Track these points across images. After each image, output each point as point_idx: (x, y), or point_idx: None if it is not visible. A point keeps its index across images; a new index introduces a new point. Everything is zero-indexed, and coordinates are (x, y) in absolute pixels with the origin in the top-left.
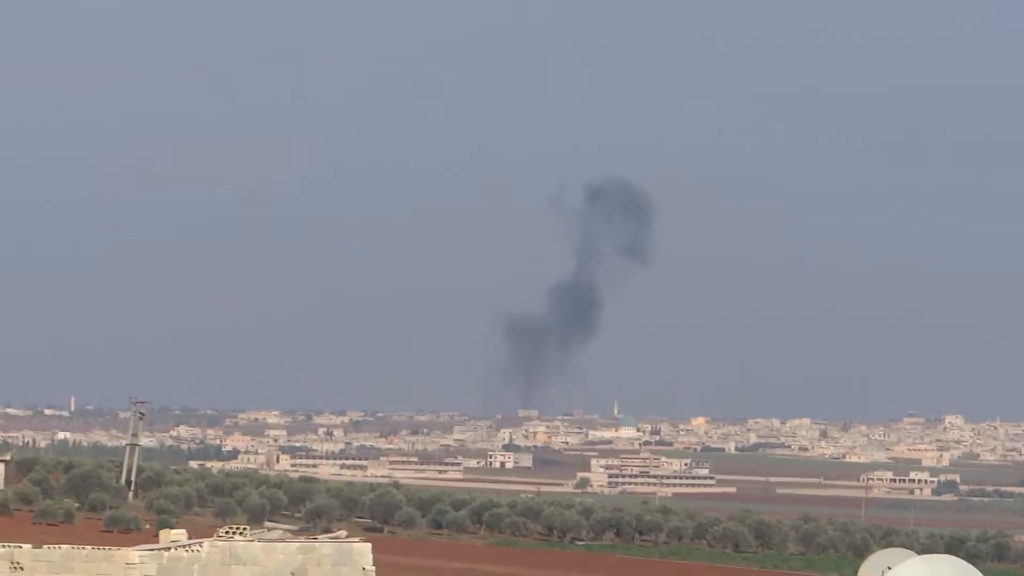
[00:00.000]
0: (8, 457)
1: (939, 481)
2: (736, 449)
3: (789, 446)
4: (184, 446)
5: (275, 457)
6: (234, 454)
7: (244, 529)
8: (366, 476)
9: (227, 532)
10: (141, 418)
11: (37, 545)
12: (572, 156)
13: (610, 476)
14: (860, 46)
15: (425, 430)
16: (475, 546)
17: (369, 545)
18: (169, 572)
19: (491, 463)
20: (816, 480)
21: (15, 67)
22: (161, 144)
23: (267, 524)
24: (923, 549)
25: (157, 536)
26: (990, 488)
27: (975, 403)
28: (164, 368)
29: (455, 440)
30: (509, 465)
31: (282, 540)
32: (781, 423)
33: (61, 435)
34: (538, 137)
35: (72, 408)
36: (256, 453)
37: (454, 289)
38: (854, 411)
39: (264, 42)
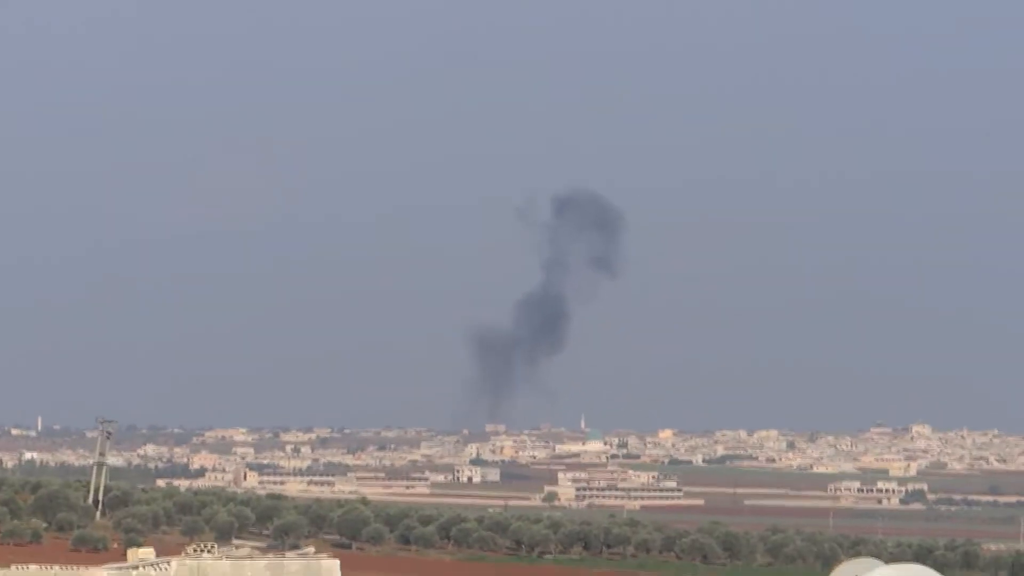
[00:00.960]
0: None
1: (907, 490)
2: (703, 461)
3: (756, 457)
4: (152, 465)
5: (243, 475)
6: (201, 472)
7: (212, 547)
8: (334, 492)
9: (195, 550)
10: (108, 437)
11: (5, 565)
12: (541, 168)
13: (578, 489)
14: (834, 43)
15: (392, 446)
16: (443, 561)
17: (337, 561)
18: None
19: (459, 478)
20: (784, 491)
21: None
22: (133, 157)
23: (235, 542)
24: (891, 558)
25: (125, 555)
26: (958, 497)
27: (942, 412)
28: (131, 387)
29: (422, 455)
30: (476, 480)
31: (250, 557)
32: (748, 434)
33: (28, 455)
34: (506, 149)
35: (39, 428)
36: (223, 471)
37: (422, 302)
38: (821, 422)
39: (231, 52)
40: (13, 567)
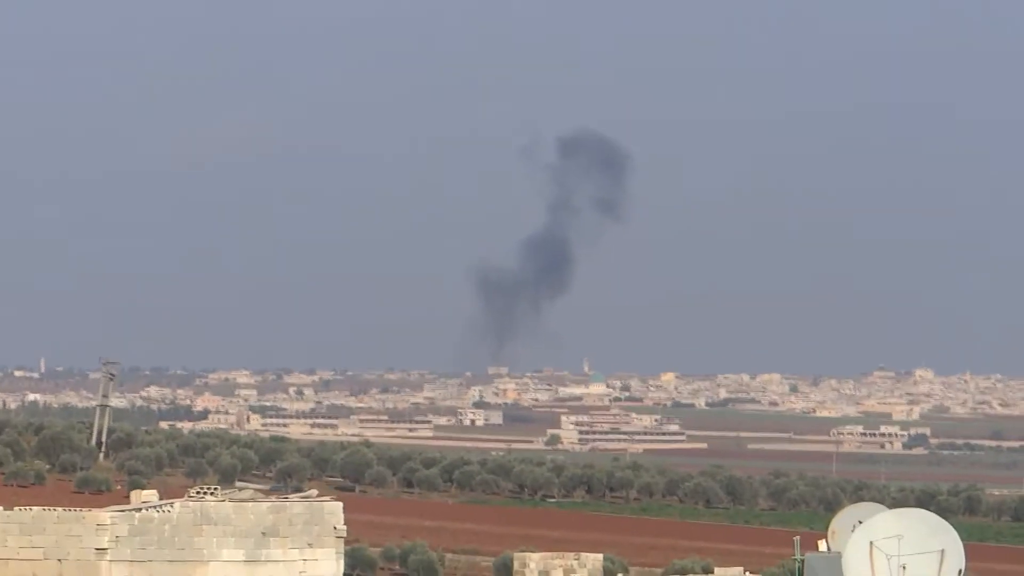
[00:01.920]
0: None
1: (909, 435)
2: (706, 404)
3: (759, 401)
4: (154, 406)
5: (245, 417)
6: (204, 414)
7: (215, 489)
8: (337, 435)
9: (198, 492)
10: (111, 379)
11: (8, 507)
12: (546, 110)
13: (580, 433)
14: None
15: (395, 388)
16: (446, 504)
17: (340, 504)
18: (140, 533)
19: (461, 421)
20: (786, 435)
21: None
22: (130, 115)
23: (238, 484)
24: (894, 503)
25: (128, 497)
26: (960, 441)
27: (945, 356)
28: (134, 328)
29: (425, 398)
30: (479, 423)
31: (253, 500)
32: (751, 378)
33: (31, 396)
34: (511, 90)
35: (42, 369)
36: (226, 413)
37: (425, 242)
38: (824, 366)
39: (224, 24)
40: (16, 509)
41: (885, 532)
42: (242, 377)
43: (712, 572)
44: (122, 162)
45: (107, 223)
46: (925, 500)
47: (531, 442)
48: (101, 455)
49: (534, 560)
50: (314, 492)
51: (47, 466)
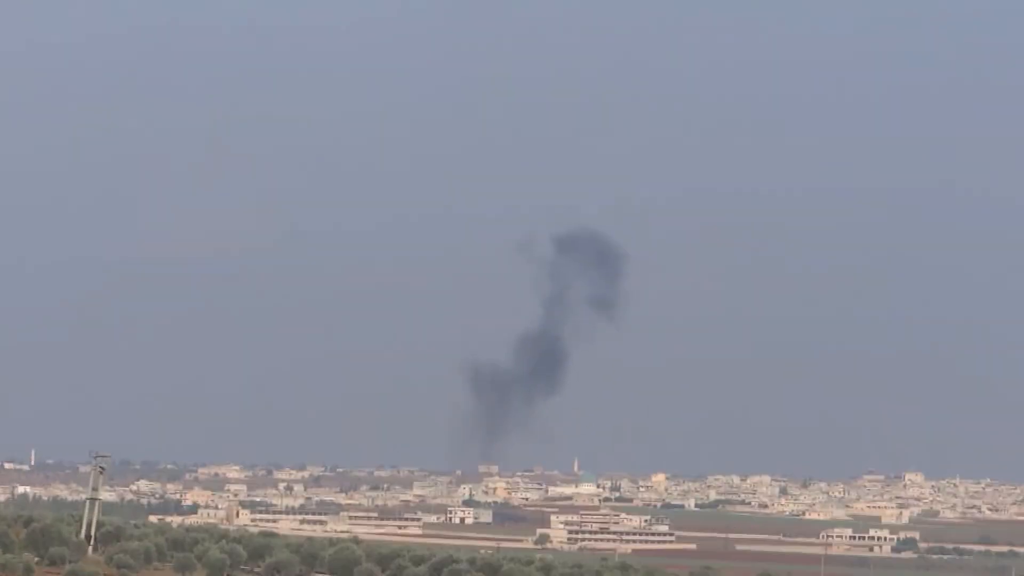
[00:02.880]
0: None
1: (899, 538)
2: (696, 505)
3: (749, 503)
4: (144, 500)
5: (235, 512)
6: (194, 509)
7: None
8: (326, 531)
9: None
10: (102, 472)
11: None
12: (543, 208)
13: (570, 532)
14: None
15: (385, 485)
16: None
17: None
18: None
19: (451, 519)
20: (776, 537)
21: None
22: (122, 197)
23: None
24: None
25: None
26: (950, 545)
27: (935, 460)
28: (125, 422)
29: (415, 495)
30: (469, 521)
31: None
32: (741, 479)
33: (21, 489)
34: (509, 187)
35: (32, 462)
36: (216, 508)
37: (418, 340)
38: (814, 468)
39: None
40: None
41: None
42: (232, 472)
43: None
44: (120, 250)
45: (97, 320)
46: None
47: (521, 541)
48: (90, 548)
49: None
50: None
51: (36, 558)
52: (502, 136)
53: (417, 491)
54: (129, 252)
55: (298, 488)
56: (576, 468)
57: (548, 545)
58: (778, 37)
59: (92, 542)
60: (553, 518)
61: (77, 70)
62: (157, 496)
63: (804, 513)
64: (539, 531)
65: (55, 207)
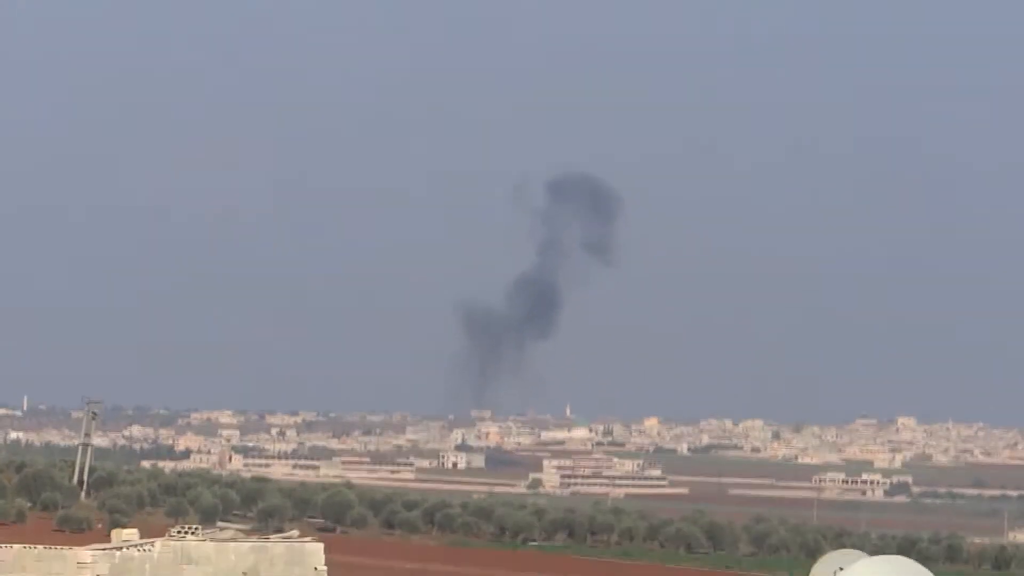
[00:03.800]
0: None
1: (891, 483)
2: (688, 450)
3: (741, 447)
4: (137, 446)
5: (227, 457)
6: (186, 454)
7: (196, 529)
8: (319, 476)
9: (179, 532)
10: (94, 418)
11: None
12: (536, 150)
13: (562, 477)
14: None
15: (378, 430)
16: (427, 546)
17: (321, 545)
18: (121, 571)
19: (444, 463)
20: (768, 481)
21: None
22: (137, 145)
23: (219, 524)
24: (875, 550)
25: (109, 536)
26: (942, 490)
27: (927, 404)
28: (117, 367)
29: (408, 440)
30: (461, 465)
31: (234, 540)
32: (734, 424)
33: (13, 435)
34: (502, 132)
35: (25, 408)
36: (208, 453)
37: (411, 282)
38: (806, 413)
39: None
40: None
41: None
42: (224, 417)
43: None
44: (121, 198)
45: (89, 262)
46: (906, 547)
47: (513, 486)
48: (83, 494)
49: None
50: (295, 533)
51: (28, 504)
52: (499, 84)
53: (410, 436)
54: (119, 199)
55: (291, 433)
56: (568, 413)
57: (541, 490)
58: None
59: (84, 487)
60: (545, 463)
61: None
62: (150, 441)
63: (796, 457)
64: (531, 476)
65: (45, 151)
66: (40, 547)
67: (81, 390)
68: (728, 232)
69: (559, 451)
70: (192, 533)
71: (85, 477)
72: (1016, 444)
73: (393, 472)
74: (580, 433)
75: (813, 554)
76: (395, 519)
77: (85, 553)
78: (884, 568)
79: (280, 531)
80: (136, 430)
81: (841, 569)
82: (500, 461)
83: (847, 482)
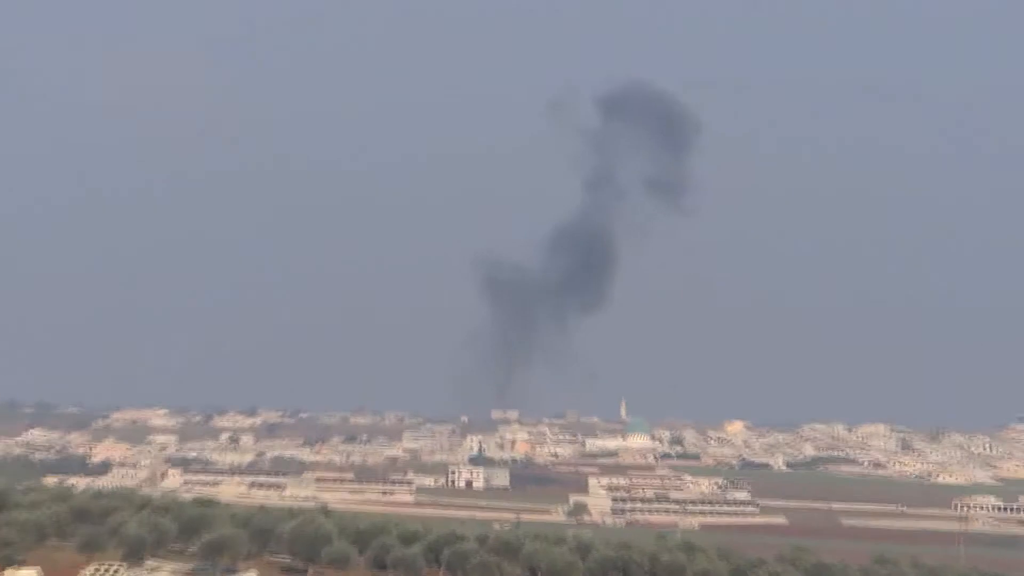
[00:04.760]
0: None
1: None
2: (787, 465)
3: (859, 461)
4: (38, 456)
5: (161, 472)
6: (106, 467)
7: (118, 570)
8: (284, 498)
9: (95, 573)
10: None
11: None
12: (583, 57)
13: (615, 500)
14: None
15: (365, 436)
16: None
17: None
18: None
19: (454, 482)
20: (895, 507)
21: None
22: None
23: (148, 563)
24: None
25: None
26: None
27: None
28: (13, 353)
29: (405, 450)
30: (478, 485)
31: None
32: (848, 430)
33: None
34: (538, 30)
35: None
36: (135, 466)
37: (410, 232)
38: (947, 416)
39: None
40: None
41: None
42: (157, 418)
43: None
44: (22, 179)
45: None
46: None
47: (548, 512)
48: None
49: None
50: (253, 574)
51: None
52: None
53: (408, 444)
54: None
55: (246, 440)
56: (623, 413)
57: (586, 518)
58: None
59: None
60: (592, 481)
61: None
62: (56, 450)
63: (934, 475)
64: (573, 499)
65: None
66: None
67: None
68: (842, 168)
69: (610, 465)
70: (113, 575)
71: None
72: None
73: (385, 493)
74: (639, 441)
75: None
76: (388, 557)
77: None
78: None
79: (232, 573)
80: (37, 434)
81: None
82: (531, 479)
83: (1003, 509)
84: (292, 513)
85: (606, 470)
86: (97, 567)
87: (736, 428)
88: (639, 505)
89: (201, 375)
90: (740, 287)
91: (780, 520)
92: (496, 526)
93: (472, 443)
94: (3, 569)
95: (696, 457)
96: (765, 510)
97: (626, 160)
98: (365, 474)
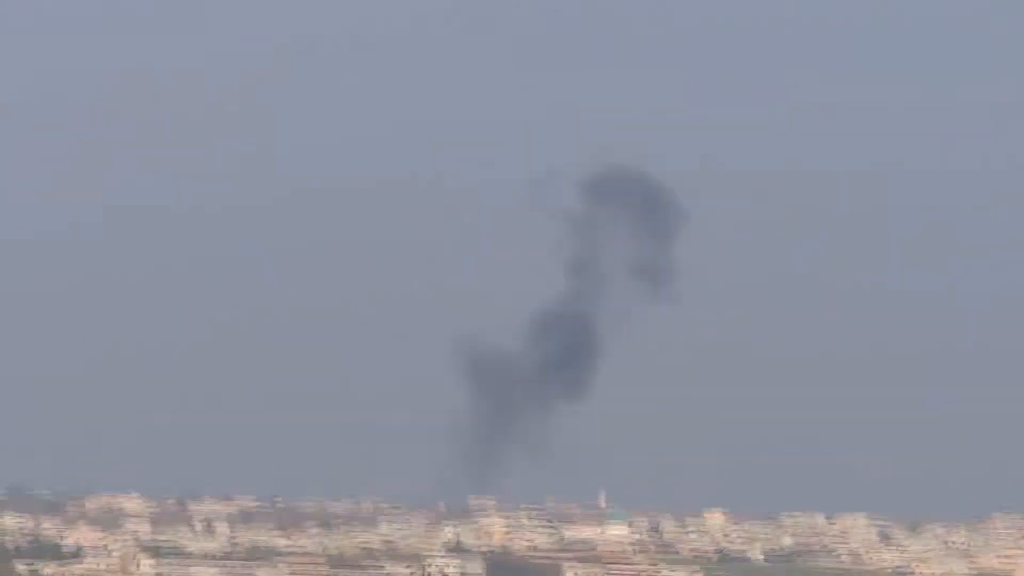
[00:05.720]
0: None
1: None
2: (765, 557)
3: (838, 553)
4: (9, 540)
5: (134, 559)
6: (78, 553)
7: None
8: None
9: None
10: None
11: None
12: (566, 138)
13: None
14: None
15: (340, 523)
16: None
17: None
18: None
19: (429, 571)
20: None
21: None
22: None
23: None
24: None
25: None
26: None
27: None
28: None
29: (381, 537)
30: (454, 573)
31: None
32: (828, 520)
33: None
34: (517, 110)
35: None
36: (108, 552)
37: (390, 314)
38: (927, 506)
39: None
40: None
41: None
42: (132, 504)
43: None
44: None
45: None
46: None
47: None
48: None
49: None
50: None
51: None
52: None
53: (384, 531)
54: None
55: (221, 526)
56: (602, 502)
57: None
58: None
59: None
60: (569, 572)
61: None
62: (26, 534)
63: (913, 567)
64: None
65: None
66: None
67: None
68: (824, 261)
69: (587, 555)
70: None
71: None
72: None
73: None
74: (617, 531)
75: None
76: None
77: None
78: None
79: None
80: (8, 519)
81: None
82: (506, 568)
83: None
84: None
85: (583, 559)
86: None
87: (715, 517)
88: None
89: (174, 455)
90: (723, 371)
91: None
92: None
93: (448, 532)
94: None
95: (674, 548)
96: None
97: (609, 244)
98: (339, 562)
